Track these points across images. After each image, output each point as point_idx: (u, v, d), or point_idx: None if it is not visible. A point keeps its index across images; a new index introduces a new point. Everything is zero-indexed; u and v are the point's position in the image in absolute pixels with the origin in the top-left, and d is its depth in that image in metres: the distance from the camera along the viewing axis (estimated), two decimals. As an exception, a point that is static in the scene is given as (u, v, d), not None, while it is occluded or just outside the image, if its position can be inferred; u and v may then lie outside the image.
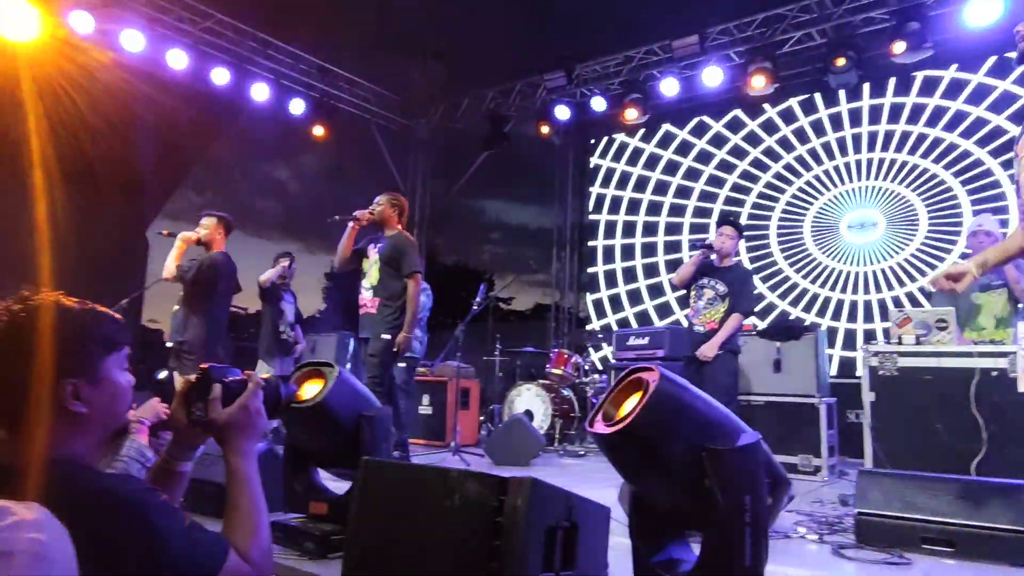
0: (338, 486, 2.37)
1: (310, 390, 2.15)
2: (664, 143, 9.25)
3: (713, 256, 4.86)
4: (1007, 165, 6.82)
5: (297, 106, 8.65)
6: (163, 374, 7.06)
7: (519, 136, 9.79)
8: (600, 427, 1.62)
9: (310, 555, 2.05)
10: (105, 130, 8.67)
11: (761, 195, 8.36)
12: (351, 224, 4.55)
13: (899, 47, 6.44)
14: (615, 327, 9.16)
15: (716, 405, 1.69)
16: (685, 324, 5.18)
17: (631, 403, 1.61)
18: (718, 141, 8.81)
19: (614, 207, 9.59)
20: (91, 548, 1.01)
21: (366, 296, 4.57)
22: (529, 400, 6.65)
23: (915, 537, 2.77)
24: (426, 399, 6.73)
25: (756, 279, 8.17)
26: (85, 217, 8.82)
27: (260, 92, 8.19)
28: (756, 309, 5.04)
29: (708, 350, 4.57)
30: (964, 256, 5.55)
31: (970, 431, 3.62)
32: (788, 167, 8.21)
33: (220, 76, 7.79)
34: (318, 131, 8.92)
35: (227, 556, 1.17)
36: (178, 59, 7.34)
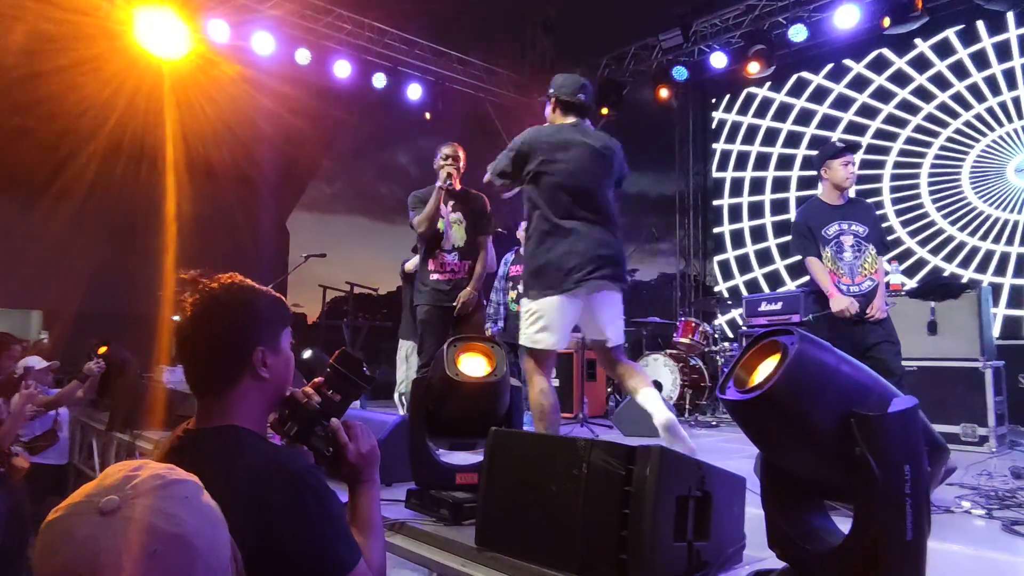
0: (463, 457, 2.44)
1: (474, 365, 2.23)
2: (796, 91, 8.62)
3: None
4: None
5: (414, 91, 8.89)
6: (308, 353, 7.62)
7: (634, 103, 9.51)
8: (733, 394, 1.52)
9: (445, 521, 2.13)
10: (248, 132, 9.41)
11: (909, 140, 7.60)
12: (441, 187, 4.19)
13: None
14: (743, 289, 8.78)
15: (864, 368, 1.55)
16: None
17: (767, 367, 1.52)
18: (859, 84, 8.07)
19: (740, 163, 9.11)
20: (254, 515, 1.10)
21: (448, 259, 4.23)
22: (657, 370, 6.52)
23: (1106, 514, 2.45)
24: (553, 371, 6.78)
25: (905, 233, 7.51)
26: (238, 211, 9.65)
27: (379, 80, 8.50)
28: None
29: (879, 310, 3.76)
30: None
31: None
32: (943, 107, 7.38)
33: (342, 69, 8.15)
34: (436, 112, 9.14)
35: (359, 559, 1.21)
36: (303, 56, 7.77)
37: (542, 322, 3.10)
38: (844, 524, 1.53)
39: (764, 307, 5.87)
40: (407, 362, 5.94)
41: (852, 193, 4.07)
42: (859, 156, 7.62)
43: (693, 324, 6.77)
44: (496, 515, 1.96)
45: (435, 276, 4.21)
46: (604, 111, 9.10)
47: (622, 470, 1.79)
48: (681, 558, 1.81)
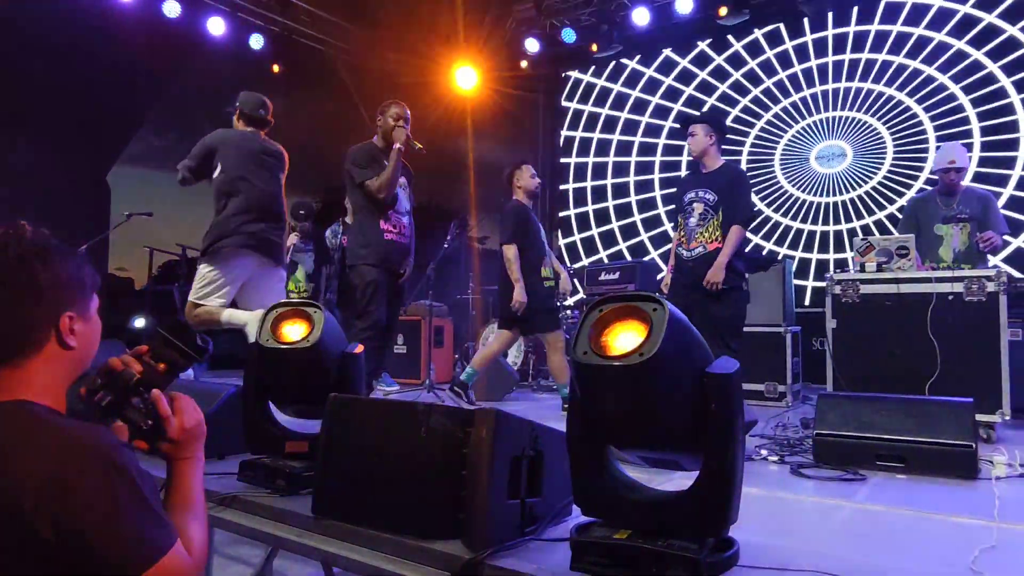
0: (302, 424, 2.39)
1: (294, 331, 2.15)
2: (631, 82, 9.09)
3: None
4: (968, 90, 6.84)
5: (256, 41, 8.31)
6: (141, 322, 6.99)
7: (492, 70, 9.54)
8: (596, 359, 1.46)
9: (281, 492, 2.08)
10: (56, 64, 8.28)
11: (736, 120, 8.31)
12: (401, 148, 4.12)
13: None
14: (580, 248, 9.22)
15: (698, 333, 1.67)
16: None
17: (630, 335, 1.50)
18: (685, 78, 8.69)
19: (583, 150, 9.48)
20: (50, 501, 0.99)
21: (405, 221, 4.28)
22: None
23: (869, 455, 2.90)
24: (400, 338, 6.76)
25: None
26: (44, 162, 8.51)
27: (215, 26, 7.83)
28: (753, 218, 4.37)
29: (714, 274, 3.88)
30: (931, 182, 5.60)
31: (926, 354, 3.75)
32: (756, 100, 8.15)
33: (171, 8, 7.42)
34: (282, 67, 8.62)
35: (175, 541, 1.12)
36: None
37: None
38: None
39: (603, 276, 6.22)
40: None
41: (716, 164, 4.13)
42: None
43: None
44: (334, 482, 1.94)
45: (391, 236, 4.17)
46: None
47: (460, 433, 1.85)
48: (515, 515, 1.90)
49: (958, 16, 6.99)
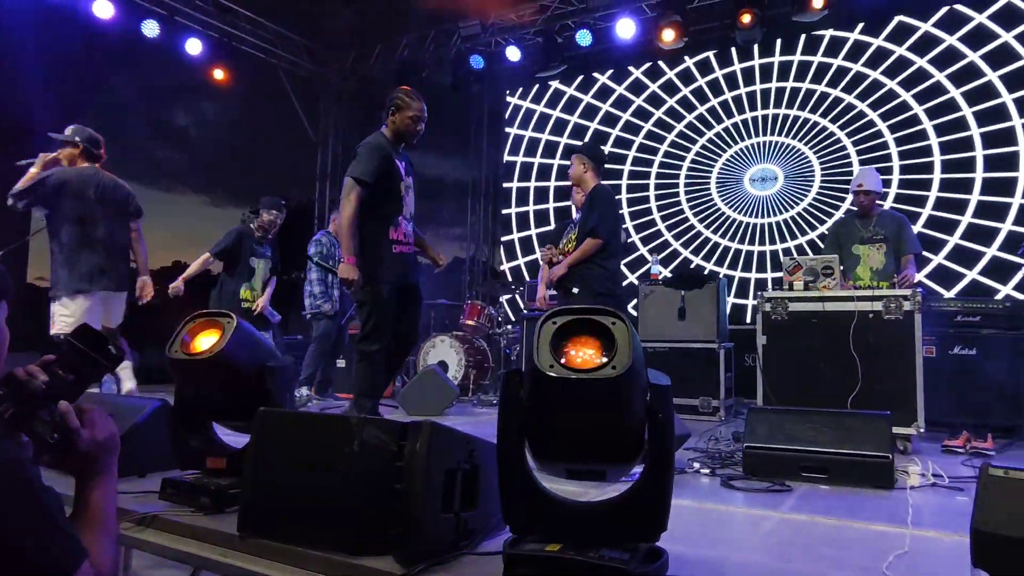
0: (237, 440, 2.33)
1: (205, 341, 2.08)
2: (583, 89, 9.26)
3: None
4: (895, 128, 7.26)
5: (194, 46, 8.10)
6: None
7: (435, 86, 9.56)
8: (570, 373, 1.45)
9: (205, 510, 2.01)
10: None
11: (673, 144, 8.56)
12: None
13: (818, 2, 6.65)
14: (524, 270, 9.28)
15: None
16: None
17: (591, 348, 1.51)
18: (636, 88, 8.91)
19: (530, 150, 9.59)
20: None
21: (411, 228, 3.85)
22: (443, 352, 6.69)
23: (795, 466, 3.00)
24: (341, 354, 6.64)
25: (664, 227, 8.43)
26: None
27: (150, 28, 7.60)
28: (618, 233, 4.56)
29: (553, 272, 4.39)
30: (849, 211, 5.88)
31: (848, 369, 3.92)
32: (700, 118, 8.42)
33: (102, 8, 7.16)
34: (218, 74, 8.41)
35: (83, 561, 1.07)
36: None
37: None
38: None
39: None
40: None
41: (589, 188, 4.51)
42: (631, 154, 8.38)
43: (479, 307, 7.03)
44: (262, 499, 1.89)
45: (399, 249, 3.72)
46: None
47: (394, 446, 1.83)
48: (449, 529, 1.89)
49: (872, 49, 7.42)
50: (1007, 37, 6.78)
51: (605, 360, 1.46)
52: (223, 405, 2.15)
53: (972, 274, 6.65)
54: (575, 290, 4.28)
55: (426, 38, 9.24)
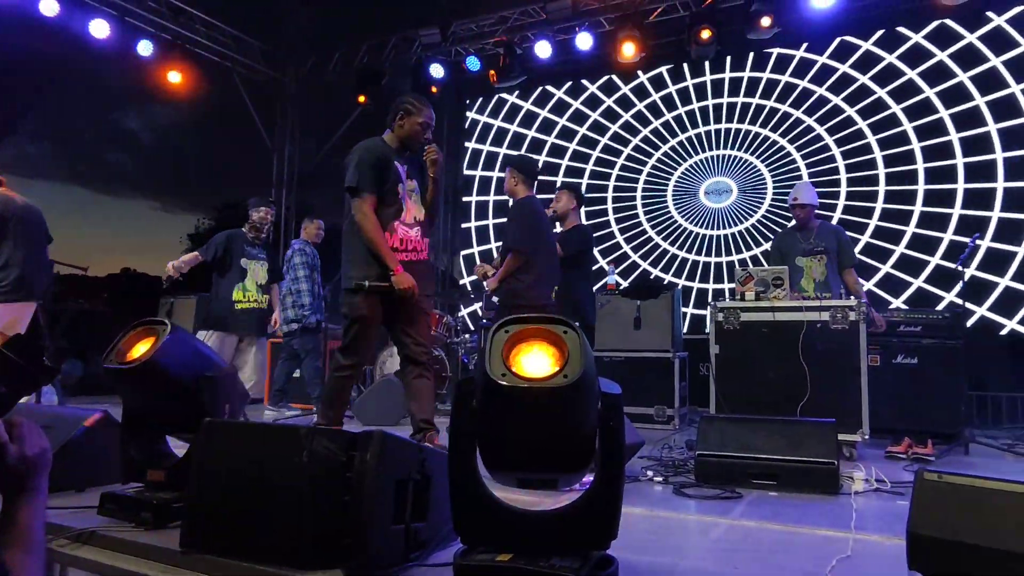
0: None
1: (139, 350, 2.02)
2: (541, 102, 9.33)
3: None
4: (841, 142, 7.51)
5: (145, 48, 7.90)
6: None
7: (395, 94, 9.50)
8: (521, 382, 1.44)
9: (146, 526, 1.94)
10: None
11: (629, 158, 8.68)
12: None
13: (766, 21, 6.83)
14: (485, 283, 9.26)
15: None
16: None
17: (542, 357, 1.51)
18: (592, 103, 9.02)
19: (489, 164, 9.60)
20: None
21: (412, 234, 3.56)
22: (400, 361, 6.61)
23: (745, 473, 3.06)
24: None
25: (622, 239, 8.53)
26: None
27: (99, 29, 7.38)
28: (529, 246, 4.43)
29: (489, 284, 4.52)
30: (789, 224, 6.02)
31: (798, 377, 4.01)
32: (656, 132, 8.56)
33: (48, 6, 6.94)
34: (174, 77, 8.21)
35: None
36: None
37: None
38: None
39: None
40: None
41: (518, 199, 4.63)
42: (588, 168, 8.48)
43: (437, 315, 6.98)
44: (206, 513, 1.84)
45: (401, 256, 3.45)
46: (361, 99, 8.97)
47: (343, 457, 1.80)
48: (399, 540, 1.86)
49: (817, 66, 7.68)
50: (942, 56, 7.09)
51: (557, 369, 1.46)
52: (169, 416, 2.09)
53: (918, 282, 6.90)
54: (496, 302, 4.47)
55: (386, 45, 9.19)
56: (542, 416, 1.49)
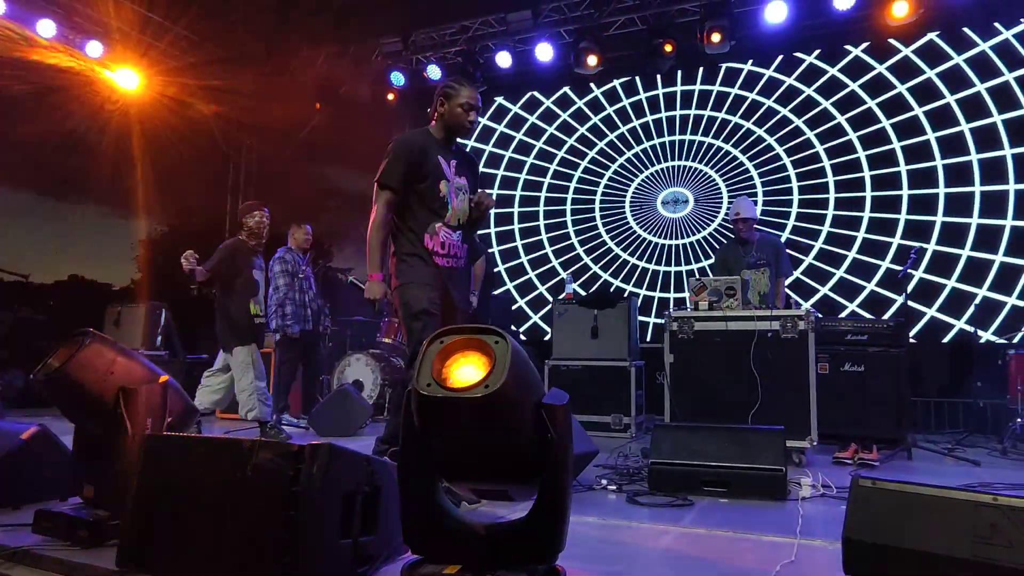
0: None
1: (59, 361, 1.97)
2: (498, 117, 9.37)
3: None
4: (791, 152, 7.72)
5: (94, 48, 7.70)
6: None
7: (357, 101, 9.42)
8: (443, 392, 1.44)
9: (83, 544, 1.88)
10: None
11: (587, 170, 8.76)
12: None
13: (716, 37, 6.98)
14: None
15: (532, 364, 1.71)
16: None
17: (472, 367, 1.51)
18: (548, 117, 9.09)
19: None
20: None
21: (455, 238, 3.18)
22: (359, 370, 6.55)
23: (697, 481, 3.10)
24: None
25: (582, 251, 8.60)
26: None
27: (45, 28, 7.16)
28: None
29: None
30: (730, 238, 6.14)
31: (749, 385, 4.10)
32: (611, 144, 8.67)
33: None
34: (125, 78, 8.01)
35: None
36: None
37: None
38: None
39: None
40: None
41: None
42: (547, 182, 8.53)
43: (395, 324, 6.94)
44: (144, 530, 1.78)
45: (441, 261, 3.09)
46: (317, 106, 8.89)
47: (290, 470, 1.77)
48: (347, 555, 1.84)
49: (764, 79, 7.91)
50: (880, 68, 7.38)
51: (480, 379, 1.45)
52: (90, 429, 2.03)
53: (871, 285, 7.12)
54: None
55: (346, 52, 9.12)
56: (467, 427, 1.49)
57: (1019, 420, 4.91)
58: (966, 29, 7.01)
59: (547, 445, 1.57)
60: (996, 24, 6.88)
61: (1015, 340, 6.05)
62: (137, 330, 6.41)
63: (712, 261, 7.46)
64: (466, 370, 1.52)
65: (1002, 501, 1.36)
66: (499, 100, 9.38)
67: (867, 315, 6.95)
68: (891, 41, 7.34)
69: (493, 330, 1.55)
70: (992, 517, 1.34)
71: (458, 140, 3.33)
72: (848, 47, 7.57)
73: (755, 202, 7.12)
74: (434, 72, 8.52)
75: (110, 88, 8.11)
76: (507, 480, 1.65)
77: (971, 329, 6.34)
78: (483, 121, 9.43)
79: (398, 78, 8.70)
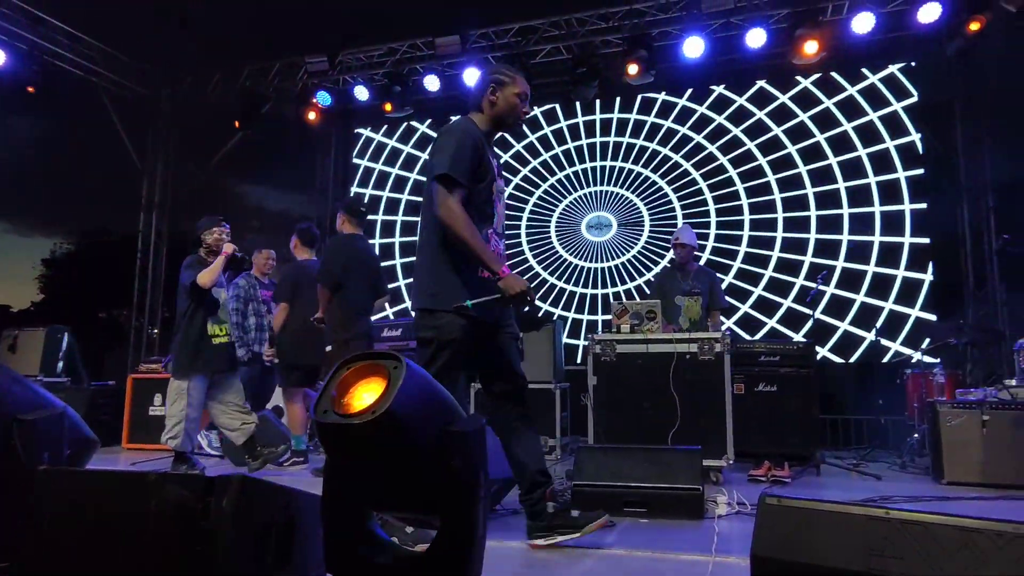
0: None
1: None
2: (422, 145, 9.38)
3: None
4: (707, 176, 8.09)
5: (-4, 57, 7.26)
6: None
7: (281, 119, 9.23)
8: (336, 418, 1.44)
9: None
10: None
11: (511, 196, 8.87)
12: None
13: (633, 69, 7.24)
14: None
15: (444, 390, 1.70)
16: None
17: (369, 392, 1.49)
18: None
19: (380, 183, 9.51)
20: None
21: (502, 247, 2.89)
22: (281, 395, 6.33)
23: (619, 502, 3.16)
24: (157, 399, 6.07)
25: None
26: None
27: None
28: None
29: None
30: (672, 262, 6.35)
31: (669, 406, 4.22)
32: (534, 171, 8.84)
33: None
34: (29, 89, 7.58)
35: None
36: None
37: None
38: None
39: (386, 333, 6.17)
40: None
41: None
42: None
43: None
44: (39, 574, 1.66)
45: (488, 273, 2.63)
46: (236, 124, 8.66)
47: (199, 504, 1.69)
48: (260, 590, 1.77)
49: (696, 116, 8.27)
50: (803, 117, 7.87)
51: (370, 404, 1.42)
52: None
53: (787, 302, 7.51)
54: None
55: (269, 70, 8.95)
56: (359, 453, 1.48)
57: (915, 435, 5.24)
58: (864, 69, 7.59)
59: (448, 473, 1.55)
60: (889, 63, 7.51)
61: (912, 360, 6.48)
62: (35, 356, 6.01)
63: (647, 279, 7.73)
64: (365, 396, 1.50)
65: (893, 515, 1.45)
66: (426, 124, 9.40)
67: (786, 330, 7.31)
68: (800, 79, 7.86)
69: (392, 355, 1.54)
70: (884, 531, 1.43)
71: None
72: (764, 84, 8.05)
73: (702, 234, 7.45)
74: (361, 93, 8.48)
75: (13, 99, 7.65)
76: (420, 509, 1.63)
77: (880, 340, 6.69)
78: (406, 149, 9.43)
79: (324, 97, 8.60)
